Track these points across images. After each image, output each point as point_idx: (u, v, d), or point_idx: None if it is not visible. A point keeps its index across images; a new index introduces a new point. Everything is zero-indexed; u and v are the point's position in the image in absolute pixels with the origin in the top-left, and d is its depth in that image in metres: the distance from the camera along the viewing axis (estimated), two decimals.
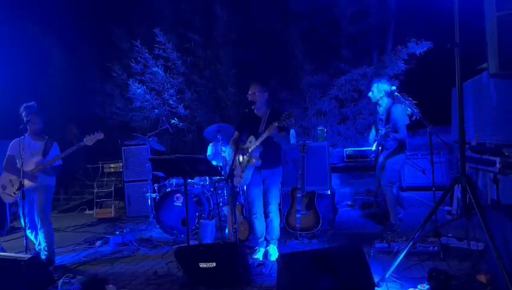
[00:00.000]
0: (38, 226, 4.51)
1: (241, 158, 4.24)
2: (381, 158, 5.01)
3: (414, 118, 5.84)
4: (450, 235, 4.23)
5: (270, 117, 4.16)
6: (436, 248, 3.91)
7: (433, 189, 4.52)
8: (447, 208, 5.48)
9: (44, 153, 4.56)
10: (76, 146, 4.46)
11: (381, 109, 5.02)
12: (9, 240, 5.76)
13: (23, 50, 8.41)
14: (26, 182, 4.36)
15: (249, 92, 4.28)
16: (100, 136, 4.48)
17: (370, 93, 5.07)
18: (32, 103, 4.66)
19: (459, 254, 3.82)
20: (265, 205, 4.32)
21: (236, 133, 4.47)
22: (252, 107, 4.31)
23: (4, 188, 4.62)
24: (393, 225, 5.00)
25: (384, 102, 4.96)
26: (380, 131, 4.91)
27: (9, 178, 4.58)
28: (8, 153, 4.66)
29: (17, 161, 4.46)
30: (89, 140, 4.44)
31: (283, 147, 4.37)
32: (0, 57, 7.73)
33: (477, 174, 5.08)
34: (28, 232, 4.59)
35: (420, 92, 6.80)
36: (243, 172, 4.19)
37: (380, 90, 4.95)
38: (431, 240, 4.06)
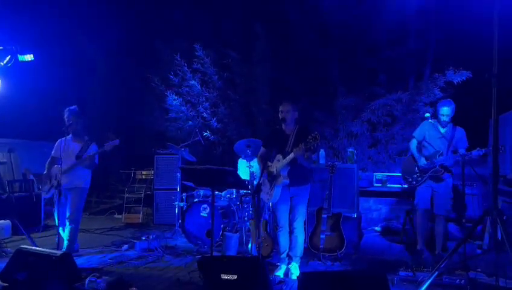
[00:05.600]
0: (67, 224, 4.80)
1: (269, 176, 4.28)
2: (434, 185, 4.85)
3: None
4: (479, 269, 4.08)
5: (298, 135, 4.22)
6: (463, 281, 3.79)
7: (464, 221, 4.40)
8: (478, 242, 5.29)
9: (80, 154, 4.87)
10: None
11: (447, 127, 4.85)
12: (42, 237, 6.02)
13: (68, 56, 8.86)
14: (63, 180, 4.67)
15: (281, 109, 4.33)
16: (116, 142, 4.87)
17: (446, 117, 4.80)
18: (74, 106, 5.00)
19: (487, 289, 3.69)
20: (291, 220, 4.34)
21: (263, 149, 4.53)
22: (282, 124, 4.35)
23: (45, 184, 5.03)
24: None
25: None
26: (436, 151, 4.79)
27: (50, 175, 4.99)
28: (52, 154, 5.07)
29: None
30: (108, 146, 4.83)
31: (306, 167, 4.38)
32: (46, 63, 8.15)
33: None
34: (60, 230, 4.84)
35: (457, 121, 6.64)
36: (271, 190, 4.23)
37: (453, 110, 4.76)
38: (458, 273, 3.93)
